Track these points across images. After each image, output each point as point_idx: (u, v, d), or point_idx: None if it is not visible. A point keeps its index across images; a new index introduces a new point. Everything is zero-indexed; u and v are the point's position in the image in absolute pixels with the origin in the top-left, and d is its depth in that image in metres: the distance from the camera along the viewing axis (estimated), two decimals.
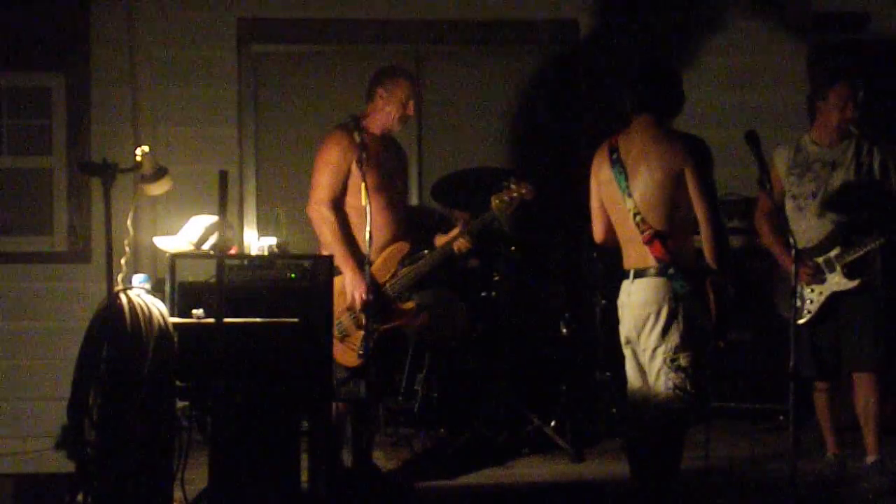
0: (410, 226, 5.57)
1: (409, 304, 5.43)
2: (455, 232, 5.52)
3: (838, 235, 5.38)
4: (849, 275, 5.34)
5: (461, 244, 5.49)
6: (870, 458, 5.38)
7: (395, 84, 5.45)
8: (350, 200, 5.36)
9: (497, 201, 5.56)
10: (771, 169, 5.52)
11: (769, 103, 6.13)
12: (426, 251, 5.47)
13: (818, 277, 5.37)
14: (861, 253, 5.33)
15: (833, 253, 5.37)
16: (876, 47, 6.98)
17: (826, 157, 5.47)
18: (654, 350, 4.57)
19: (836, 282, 5.36)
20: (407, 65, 6.78)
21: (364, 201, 5.06)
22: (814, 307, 5.39)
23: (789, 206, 5.50)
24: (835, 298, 5.36)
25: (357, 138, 5.17)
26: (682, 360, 4.57)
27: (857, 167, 5.41)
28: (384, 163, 5.42)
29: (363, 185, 5.10)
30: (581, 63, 7.07)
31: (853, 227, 5.38)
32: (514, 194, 5.56)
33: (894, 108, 6.46)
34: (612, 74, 6.99)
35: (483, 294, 6.33)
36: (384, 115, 5.44)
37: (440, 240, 5.51)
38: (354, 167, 5.25)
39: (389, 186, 5.42)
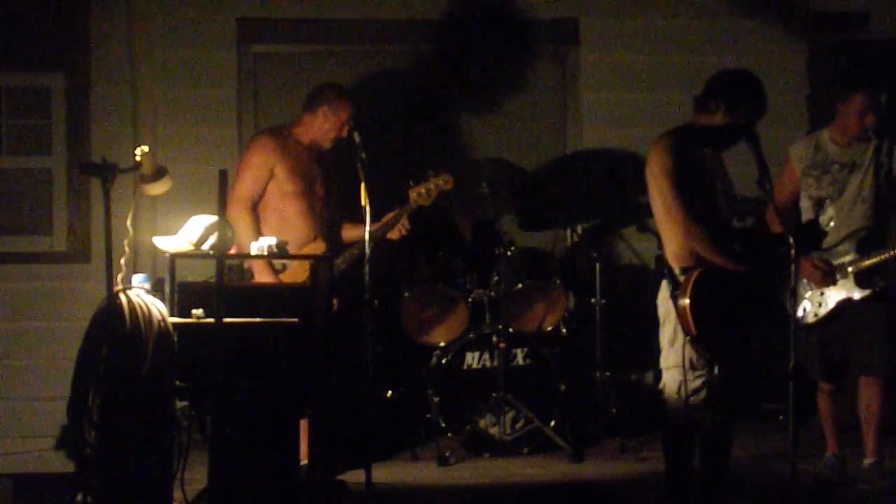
0: (334, 230, 5.73)
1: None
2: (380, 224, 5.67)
3: (853, 241, 5.35)
4: (859, 283, 5.30)
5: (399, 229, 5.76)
6: (868, 460, 5.39)
7: (340, 107, 5.60)
8: (274, 203, 5.52)
9: (415, 194, 5.78)
10: (785, 164, 5.51)
11: (769, 103, 6.05)
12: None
13: (830, 279, 5.35)
14: (875, 261, 5.28)
15: (847, 258, 5.35)
16: (876, 47, 6.97)
17: (844, 159, 5.43)
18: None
19: (847, 288, 5.33)
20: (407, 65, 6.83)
21: (364, 201, 5.09)
22: (822, 311, 5.37)
23: (805, 206, 5.48)
24: (846, 302, 5.34)
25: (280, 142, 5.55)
26: (663, 361, 4.61)
27: (875, 169, 5.38)
28: (308, 171, 5.59)
29: (362, 185, 5.12)
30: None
31: (870, 232, 5.36)
32: (432, 185, 5.79)
33: (894, 108, 6.45)
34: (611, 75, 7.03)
35: (471, 299, 6.32)
36: (320, 130, 5.62)
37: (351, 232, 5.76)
38: (277, 171, 5.49)
39: (309, 193, 5.58)
